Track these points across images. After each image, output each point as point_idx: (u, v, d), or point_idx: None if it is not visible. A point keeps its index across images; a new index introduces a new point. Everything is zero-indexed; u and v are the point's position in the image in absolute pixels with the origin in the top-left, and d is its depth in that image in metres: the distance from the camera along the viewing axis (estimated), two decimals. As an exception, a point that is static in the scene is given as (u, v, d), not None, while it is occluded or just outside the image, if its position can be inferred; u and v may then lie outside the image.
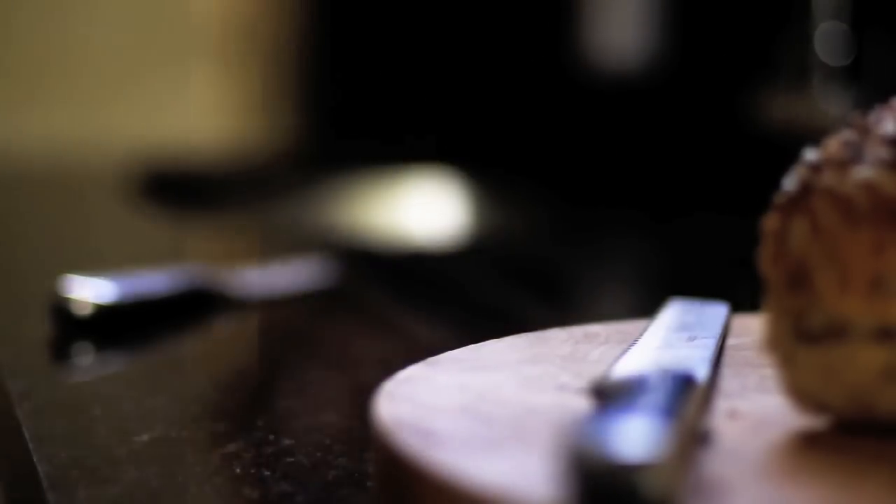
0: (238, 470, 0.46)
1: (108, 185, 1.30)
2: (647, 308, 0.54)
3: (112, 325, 0.67)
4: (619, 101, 1.39)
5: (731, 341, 0.49)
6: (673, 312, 0.53)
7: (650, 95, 1.36)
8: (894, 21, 1.12)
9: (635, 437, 0.32)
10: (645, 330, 0.49)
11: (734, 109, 1.23)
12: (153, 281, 0.70)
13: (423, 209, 1.32)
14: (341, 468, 0.45)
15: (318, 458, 0.46)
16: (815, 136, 0.45)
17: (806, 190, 0.40)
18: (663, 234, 1.13)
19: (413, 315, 0.76)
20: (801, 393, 0.40)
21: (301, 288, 0.77)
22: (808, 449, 0.39)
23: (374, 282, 0.87)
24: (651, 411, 0.35)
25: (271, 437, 0.49)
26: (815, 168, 0.40)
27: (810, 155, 0.41)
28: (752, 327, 0.47)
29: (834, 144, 0.41)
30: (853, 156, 0.40)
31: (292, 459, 0.46)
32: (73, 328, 0.66)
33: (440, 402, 0.42)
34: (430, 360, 0.47)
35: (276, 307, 0.75)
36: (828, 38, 1.13)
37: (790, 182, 0.41)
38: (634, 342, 0.47)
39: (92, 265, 0.77)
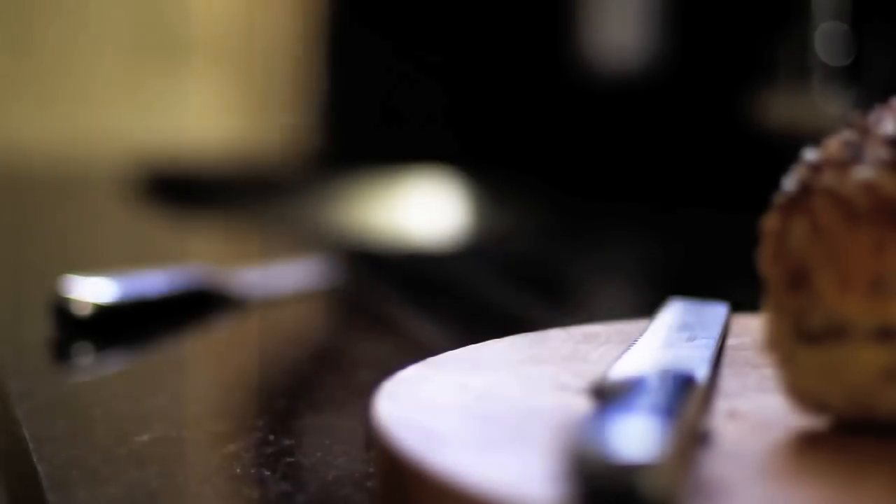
0: (238, 470, 0.46)
1: (108, 185, 1.30)
2: (647, 308, 0.54)
3: (112, 325, 0.67)
4: (619, 101, 1.39)
5: (731, 341, 0.49)
6: (673, 312, 0.53)
7: (650, 95, 1.36)
8: (894, 21, 1.12)
9: (635, 438, 0.32)
10: (645, 330, 0.49)
11: (734, 109, 1.23)
12: (153, 281, 0.70)
13: (423, 209, 1.32)
14: (341, 468, 0.45)
15: (318, 458, 0.46)
16: (815, 136, 0.45)
17: (806, 190, 0.40)
18: (663, 233, 1.13)
19: (413, 315, 0.76)
20: (801, 393, 0.40)
21: (301, 288, 0.77)
22: (808, 449, 0.39)
23: (375, 282, 0.87)
24: (651, 411, 0.35)
25: (271, 437, 0.49)
26: (815, 168, 0.40)
27: (810, 155, 0.41)
28: (752, 327, 0.47)
29: (834, 144, 0.41)
30: (853, 156, 0.40)
31: (292, 459, 0.46)
32: (73, 328, 0.66)
33: (440, 402, 0.42)
34: (430, 360, 0.47)
35: (276, 307, 0.75)
36: (828, 38, 1.13)
37: (790, 182, 0.41)
38: (634, 342, 0.47)
39: (92, 265, 0.77)
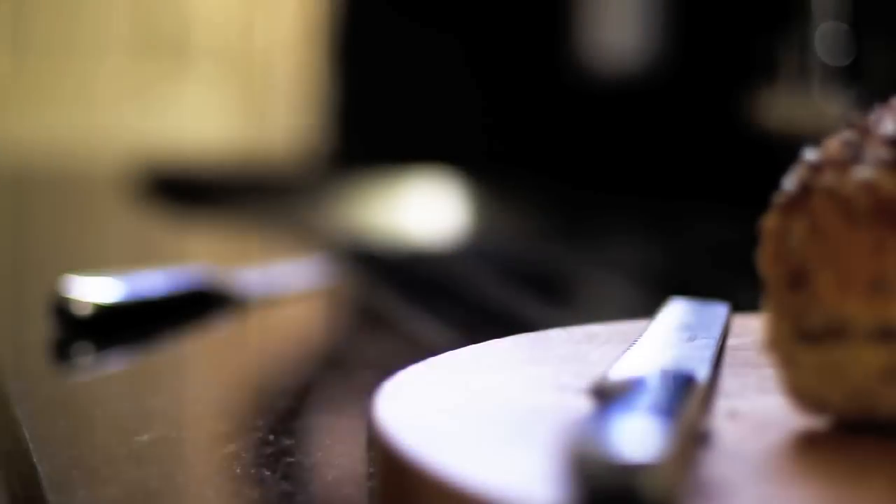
0: (238, 470, 0.46)
1: (109, 185, 1.30)
2: (647, 308, 0.54)
3: (112, 325, 0.67)
4: (618, 101, 1.39)
5: (731, 341, 0.49)
6: (673, 312, 0.53)
7: (650, 95, 1.36)
8: (894, 21, 1.12)
9: (635, 438, 0.32)
10: (645, 330, 0.49)
11: (734, 109, 1.23)
12: (154, 281, 0.70)
13: (424, 209, 1.32)
14: (341, 468, 0.45)
15: (318, 458, 0.46)
16: (815, 136, 0.45)
17: (806, 190, 0.40)
18: (663, 233, 1.13)
19: (413, 315, 0.76)
20: (801, 393, 0.40)
21: (302, 288, 0.77)
22: (809, 449, 0.39)
23: (375, 282, 0.87)
24: (651, 411, 0.35)
25: (271, 437, 0.49)
26: (815, 168, 0.40)
27: (810, 155, 0.41)
28: (752, 327, 0.47)
29: (834, 144, 0.41)
30: (853, 156, 0.40)
31: (292, 459, 0.46)
32: (73, 328, 0.66)
33: (440, 402, 0.42)
34: (430, 360, 0.47)
35: (276, 307, 0.75)
36: (828, 38, 1.13)
37: (790, 182, 0.41)
38: (634, 342, 0.47)
39: (92, 265, 0.77)
